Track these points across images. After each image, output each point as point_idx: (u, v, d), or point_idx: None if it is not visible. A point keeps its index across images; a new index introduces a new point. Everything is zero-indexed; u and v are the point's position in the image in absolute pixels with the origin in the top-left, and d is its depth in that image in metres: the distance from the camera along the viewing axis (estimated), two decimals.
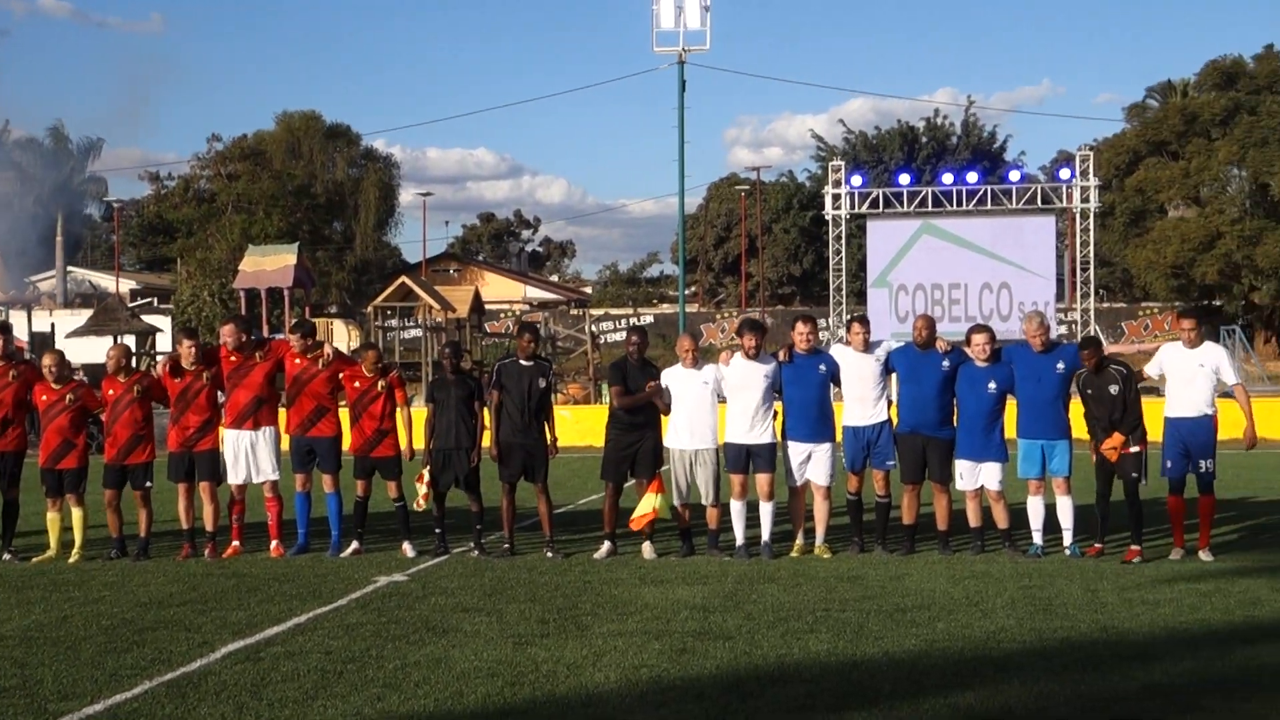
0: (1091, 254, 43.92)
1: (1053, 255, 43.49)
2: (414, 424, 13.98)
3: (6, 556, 13.79)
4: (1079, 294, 44.61)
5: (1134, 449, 12.78)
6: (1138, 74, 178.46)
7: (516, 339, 14.10)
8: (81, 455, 13.96)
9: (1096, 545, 12.97)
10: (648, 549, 13.36)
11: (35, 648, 9.49)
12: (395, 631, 9.81)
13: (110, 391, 13.82)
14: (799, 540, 13.39)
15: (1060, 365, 12.94)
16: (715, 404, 13.49)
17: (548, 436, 13.62)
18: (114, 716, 7.73)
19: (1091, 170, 43.12)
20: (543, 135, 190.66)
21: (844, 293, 44.58)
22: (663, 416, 13.58)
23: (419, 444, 13.89)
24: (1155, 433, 12.95)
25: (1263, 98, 62.48)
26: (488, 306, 62.81)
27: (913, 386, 13.33)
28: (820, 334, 14.45)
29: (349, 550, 13.70)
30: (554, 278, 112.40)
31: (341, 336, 53.58)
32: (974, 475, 13.15)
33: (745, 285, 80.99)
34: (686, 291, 59.65)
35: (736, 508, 13.27)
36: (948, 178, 42.99)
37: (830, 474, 13.32)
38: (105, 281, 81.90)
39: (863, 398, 13.36)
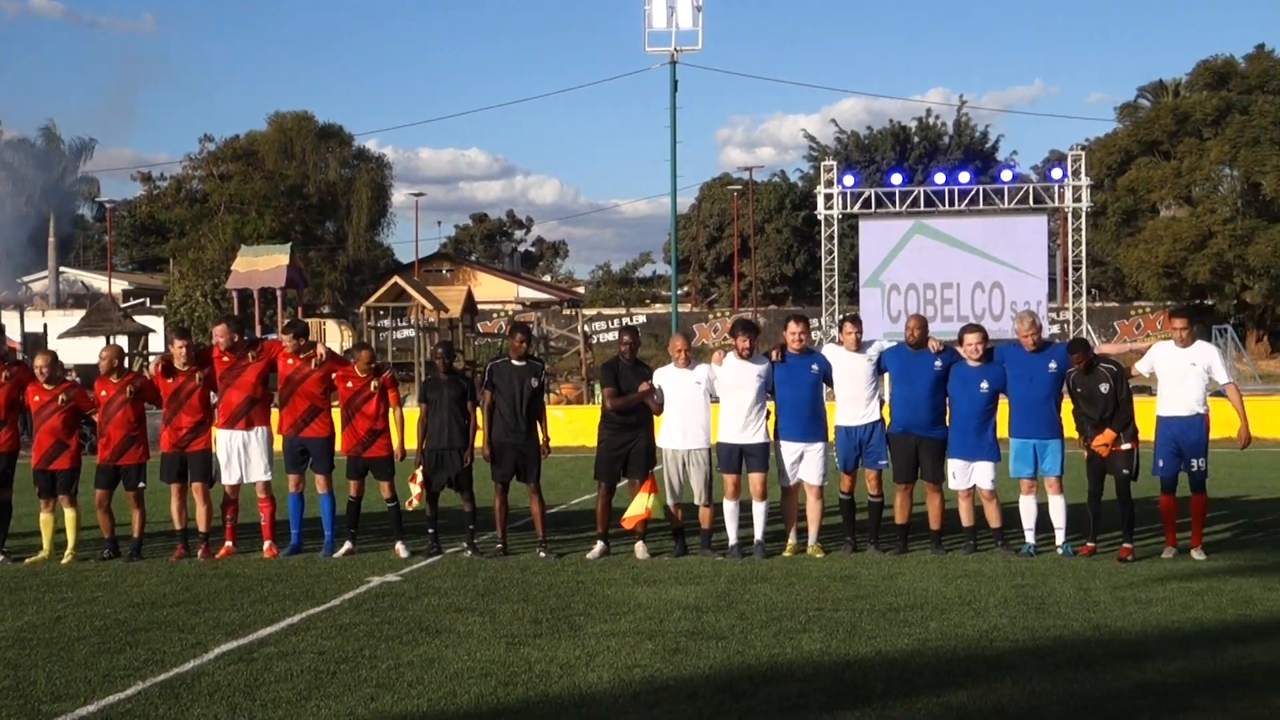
0: (1083, 253, 43.98)
1: (1045, 255, 43.59)
2: (406, 424, 13.99)
3: (0, 558, 13.79)
4: (1071, 294, 44.66)
5: (1125, 446, 12.81)
6: (1129, 74, 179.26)
7: (509, 339, 14.11)
8: (74, 456, 13.94)
9: (1089, 544, 12.98)
10: (640, 549, 13.37)
11: (28, 649, 9.49)
12: (388, 632, 9.81)
13: (103, 392, 13.81)
14: (792, 540, 13.40)
15: (1052, 365, 12.95)
16: (708, 404, 13.49)
17: (540, 436, 13.63)
18: (107, 717, 7.72)
19: (1083, 170, 43.21)
20: (535, 135, 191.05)
21: (836, 292, 44.62)
22: (655, 416, 13.59)
23: (411, 444, 13.89)
24: (1147, 431, 12.97)
25: (1254, 97, 62.55)
26: (480, 307, 62.84)
27: (905, 386, 13.34)
28: (813, 334, 14.44)
29: (342, 550, 13.69)
30: (547, 278, 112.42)
31: (334, 337, 53.52)
32: (966, 475, 13.16)
33: (738, 285, 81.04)
34: (679, 291, 59.66)
35: (730, 508, 13.28)
36: (940, 177, 43.07)
37: (823, 474, 13.33)
38: (98, 282, 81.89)
39: (855, 397, 13.37)
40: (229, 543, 13.89)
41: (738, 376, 13.27)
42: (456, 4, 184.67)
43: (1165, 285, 62.33)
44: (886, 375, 13.55)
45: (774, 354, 13.39)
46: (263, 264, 45.22)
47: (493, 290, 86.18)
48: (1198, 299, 63.20)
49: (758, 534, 13.30)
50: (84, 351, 36.62)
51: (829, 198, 43.66)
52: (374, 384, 13.81)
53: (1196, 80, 67.02)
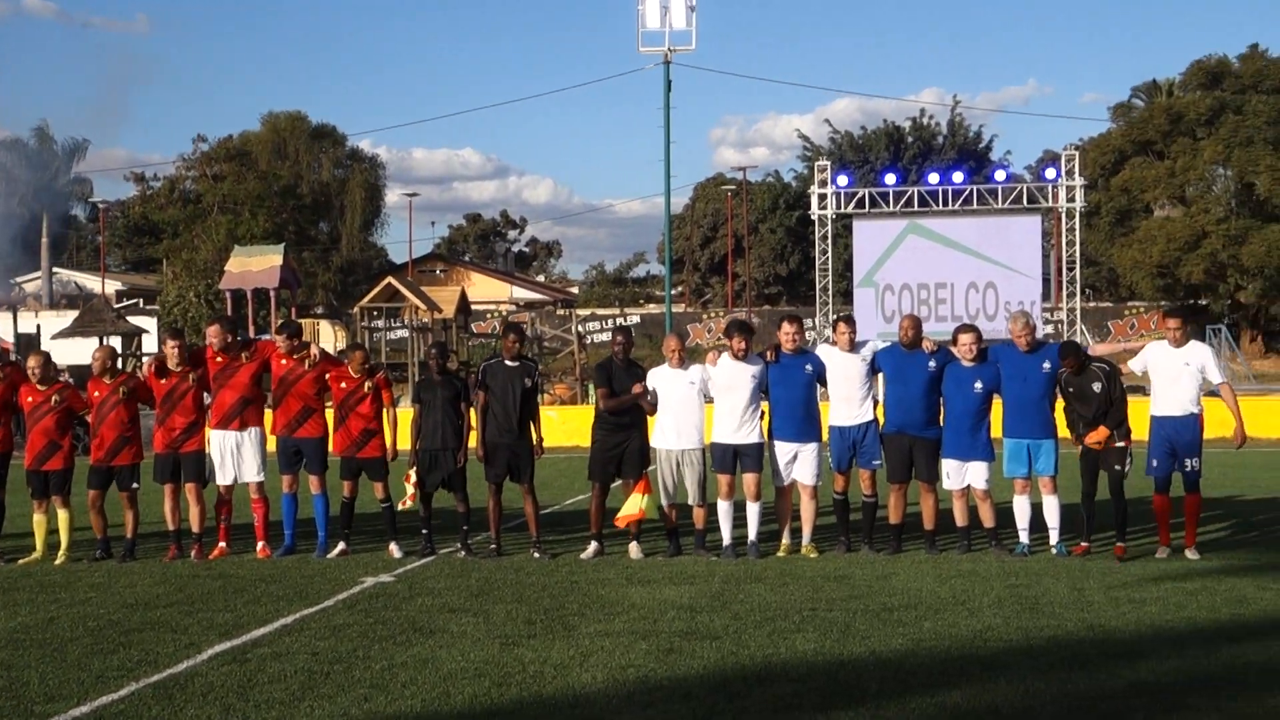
0: (1077, 253, 44.00)
1: (1038, 255, 43.55)
2: (399, 424, 13.97)
3: None
4: (1065, 293, 44.67)
5: (1119, 444, 12.82)
6: (1123, 74, 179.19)
7: (502, 339, 14.10)
8: (67, 457, 13.93)
9: (1083, 544, 12.99)
10: (634, 549, 13.37)
11: (21, 649, 9.47)
12: (382, 632, 9.81)
13: (96, 393, 13.79)
14: (785, 540, 13.40)
15: (1046, 365, 12.96)
16: (702, 404, 13.49)
17: (533, 437, 13.62)
18: (100, 718, 7.72)
19: (1077, 170, 43.19)
20: (529, 135, 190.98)
21: (830, 293, 44.62)
22: (649, 417, 13.59)
23: (403, 445, 13.87)
24: (1141, 431, 12.98)
25: (1248, 97, 62.66)
26: (474, 307, 62.83)
27: (899, 386, 13.34)
28: (807, 334, 14.45)
29: (335, 551, 13.68)
30: (540, 278, 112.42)
31: (328, 337, 53.51)
32: (961, 474, 13.16)
33: (732, 285, 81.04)
34: (673, 291, 59.69)
35: (724, 508, 13.27)
36: (934, 177, 43.03)
37: (817, 474, 13.33)
38: (91, 282, 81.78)
39: (849, 397, 13.37)
40: (222, 543, 13.88)
41: (732, 377, 13.26)
42: (450, 4, 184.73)
43: (1159, 285, 62.43)
44: (881, 375, 13.55)
45: (768, 354, 13.39)
46: (256, 264, 45.16)
47: (486, 290, 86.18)
48: (1192, 299, 63.28)
49: (751, 534, 13.30)
50: (77, 352, 36.60)
51: (823, 198, 43.64)
52: (368, 385, 13.80)
53: (1190, 80, 67.13)
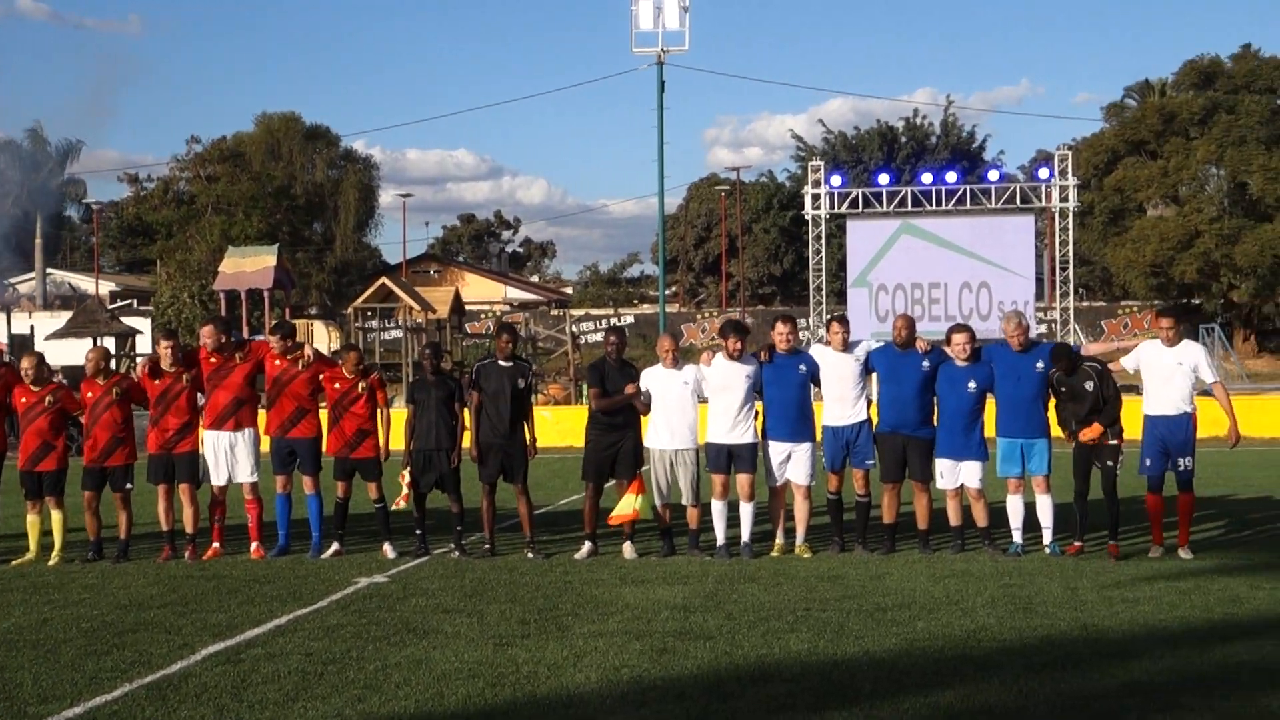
0: (1070, 253, 44.09)
1: (1032, 254, 43.65)
2: (393, 425, 13.96)
3: None
4: (1058, 293, 44.77)
5: (1112, 442, 12.85)
6: (1116, 74, 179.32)
7: (495, 339, 14.10)
8: (61, 457, 13.92)
9: (1076, 543, 13.00)
10: (628, 549, 13.37)
11: (14, 650, 9.46)
12: (376, 633, 9.80)
13: (89, 394, 13.78)
14: (779, 540, 13.40)
15: (1039, 364, 12.97)
16: (695, 404, 13.49)
17: (527, 437, 13.62)
18: (94, 719, 7.70)
19: (1070, 170, 43.30)
20: (523, 136, 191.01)
21: (824, 292, 44.67)
22: (642, 417, 13.59)
23: (397, 444, 13.86)
24: (1135, 430, 12.99)
25: (1240, 97, 62.78)
26: (468, 307, 62.80)
27: (893, 386, 13.34)
28: (800, 334, 14.45)
29: (329, 552, 13.68)
30: (534, 278, 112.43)
31: (322, 338, 53.46)
32: (954, 474, 13.17)
33: (725, 285, 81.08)
34: (667, 292, 59.68)
35: (718, 507, 13.28)
36: (927, 177, 43.15)
37: (810, 474, 13.33)
38: (85, 283, 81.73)
39: (842, 397, 13.37)
40: (216, 544, 13.86)
41: (726, 377, 13.27)
42: (444, 5, 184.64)
43: (1152, 284, 62.54)
44: (874, 375, 13.56)
45: (762, 354, 13.39)
46: (250, 265, 45.18)
47: (480, 291, 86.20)
48: (1185, 298, 63.40)
49: (745, 534, 13.30)
50: (71, 353, 36.59)
51: (816, 198, 43.71)
52: (362, 385, 13.79)
53: (1183, 80, 67.27)
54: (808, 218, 44.65)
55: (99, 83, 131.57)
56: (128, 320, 54.26)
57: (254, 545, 13.83)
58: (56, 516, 13.85)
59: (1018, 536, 13.09)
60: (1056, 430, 13.13)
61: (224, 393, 13.77)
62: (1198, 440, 12.96)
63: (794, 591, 11.20)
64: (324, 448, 14.01)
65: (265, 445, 14.03)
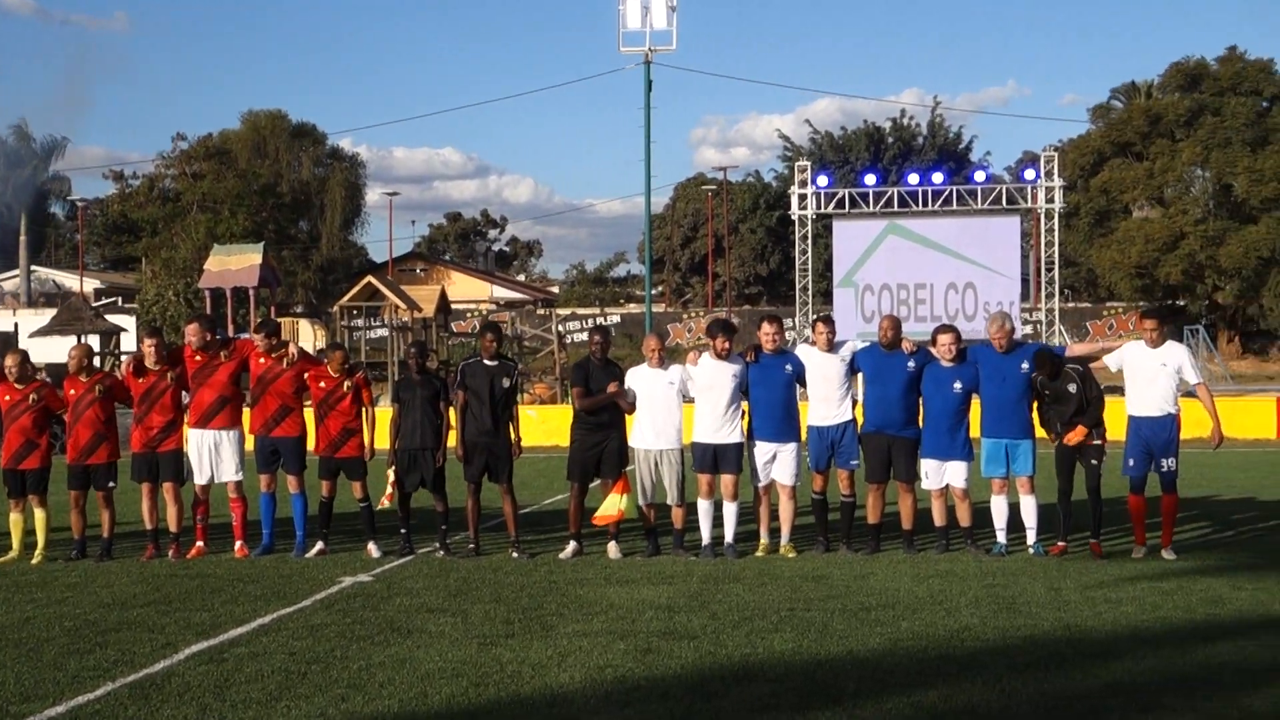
0: (1056, 254, 44.14)
1: (1018, 255, 43.72)
2: (378, 424, 13.95)
3: None
4: (1044, 294, 44.86)
5: (1096, 442, 12.89)
6: (1102, 75, 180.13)
7: (479, 339, 14.08)
8: (44, 456, 13.88)
9: (1060, 544, 13.02)
10: (613, 549, 13.37)
11: None
12: (360, 632, 9.79)
13: (71, 391, 13.74)
14: (764, 540, 13.41)
15: (1024, 365, 12.99)
16: (680, 404, 13.49)
17: (512, 436, 13.60)
18: (76, 718, 7.69)
19: (1056, 171, 43.36)
20: (510, 135, 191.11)
21: (810, 293, 44.69)
22: (627, 416, 13.59)
23: (382, 444, 13.84)
24: (1118, 431, 13.02)
25: (1226, 99, 62.98)
26: (454, 306, 62.75)
27: (878, 386, 13.35)
28: (786, 334, 14.46)
29: (314, 551, 13.65)
30: (521, 277, 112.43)
31: (307, 336, 53.40)
32: (940, 474, 13.19)
33: (712, 285, 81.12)
34: (653, 291, 59.66)
35: (704, 507, 13.28)
36: (913, 178, 43.18)
37: (795, 474, 13.34)
38: (69, 281, 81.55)
39: (827, 398, 13.38)
40: (200, 543, 13.84)
41: (713, 376, 13.27)
42: (431, 4, 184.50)
43: (1137, 286, 62.70)
44: (860, 375, 13.57)
45: (748, 354, 13.40)
46: (235, 263, 45.09)
47: (467, 290, 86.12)
48: (1170, 299, 63.57)
49: (728, 535, 13.31)
50: (55, 351, 36.47)
51: (803, 198, 43.73)
52: (347, 384, 13.76)
53: (1169, 82, 67.43)
54: (794, 218, 44.66)
55: (73, 74, 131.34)
56: (112, 318, 54.15)
57: (238, 544, 13.80)
58: (40, 515, 13.82)
59: (1001, 537, 13.11)
60: (1040, 431, 13.16)
61: (209, 391, 13.74)
62: (1182, 441, 12.99)
63: (778, 591, 11.21)
64: (311, 446, 13.99)
65: (250, 444, 14.00)
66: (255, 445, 13.92)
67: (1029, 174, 43.24)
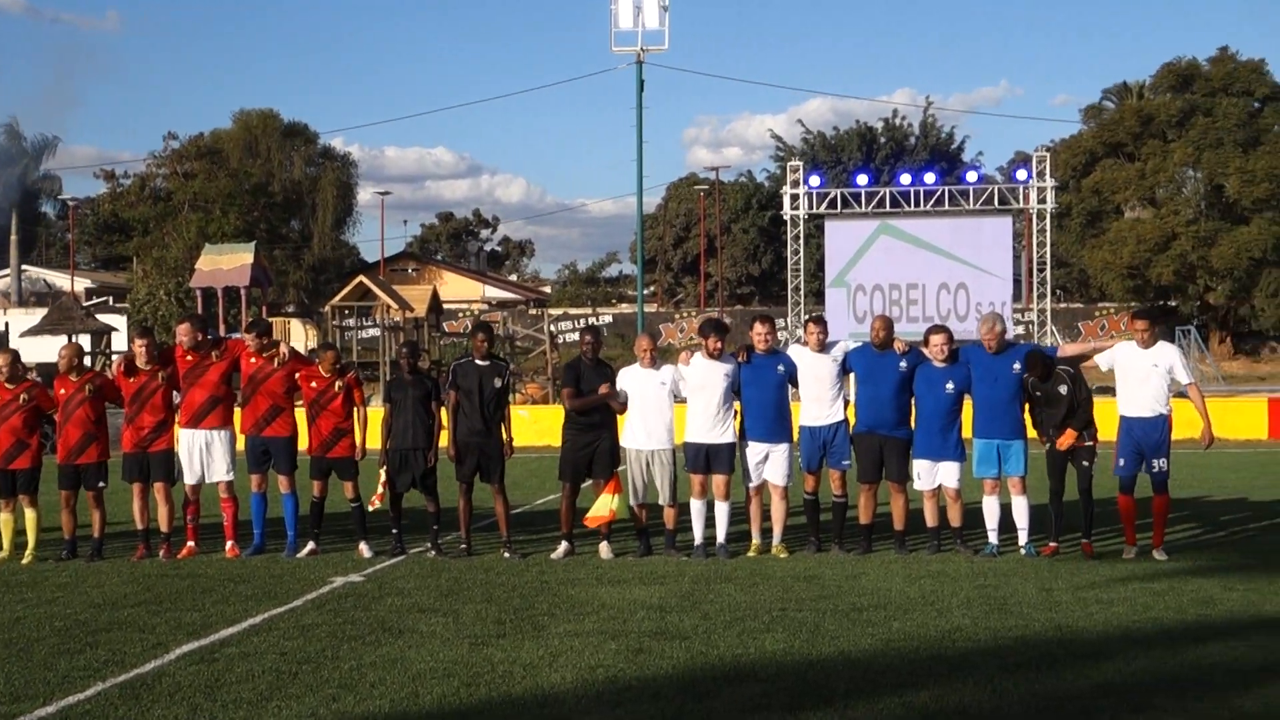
0: (1048, 254, 44.16)
1: (1009, 256, 43.72)
2: (370, 424, 13.93)
3: None
4: (1035, 294, 44.84)
5: (1087, 443, 12.90)
6: (1094, 76, 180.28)
7: (471, 339, 14.07)
8: (35, 456, 13.85)
9: (1051, 544, 13.03)
10: (605, 549, 13.36)
11: None
12: (351, 632, 9.78)
13: (62, 391, 13.72)
14: (756, 540, 13.41)
15: (1016, 366, 12.99)
16: (672, 404, 13.49)
17: (504, 436, 13.59)
18: (66, 718, 7.68)
19: (1048, 171, 43.37)
20: (502, 134, 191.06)
21: (802, 293, 44.71)
22: (619, 416, 13.59)
23: (374, 443, 13.82)
24: (1109, 432, 13.03)
25: (1218, 100, 63.06)
26: (446, 306, 62.71)
27: (870, 387, 13.36)
28: (778, 334, 14.46)
29: (305, 551, 13.64)
30: (513, 277, 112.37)
31: (299, 336, 53.34)
32: (932, 475, 13.19)
33: (704, 285, 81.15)
34: (645, 291, 59.68)
35: (697, 507, 13.28)
36: (905, 178, 43.13)
37: (787, 474, 13.34)
38: (60, 280, 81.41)
39: (819, 398, 13.38)
40: (191, 543, 13.82)
41: (705, 376, 13.27)
42: (423, 3, 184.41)
43: (1129, 286, 62.75)
44: (852, 376, 13.57)
45: (740, 355, 13.39)
46: (227, 263, 45.01)
47: (458, 290, 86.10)
48: (1161, 300, 63.65)
49: (720, 535, 13.30)
50: (46, 350, 36.38)
51: (795, 198, 43.72)
52: (338, 384, 13.75)
53: (1160, 82, 67.50)
54: (786, 218, 44.63)
55: (60, 69, 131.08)
56: (103, 317, 54.10)
57: (229, 544, 13.78)
58: (30, 515, 13.79)
59: (993, 537, 13.12)
60: (1032, 431, 13.17)
61: (200, 391, 13.73)
62: (1173, 442, 13.00)
63: (770, 591, 11.21)
64: (303, 446, 13.97)
65: (240, 444, 13.99)
66: (246, 445, 13.90)
67: (1021, 174, 43.22)
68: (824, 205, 43.67)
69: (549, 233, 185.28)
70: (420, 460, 13.48)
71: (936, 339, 13.20)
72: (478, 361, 13.50)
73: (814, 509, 13.57)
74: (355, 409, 13.83)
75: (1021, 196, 43.01)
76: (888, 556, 13.00)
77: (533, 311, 75.16)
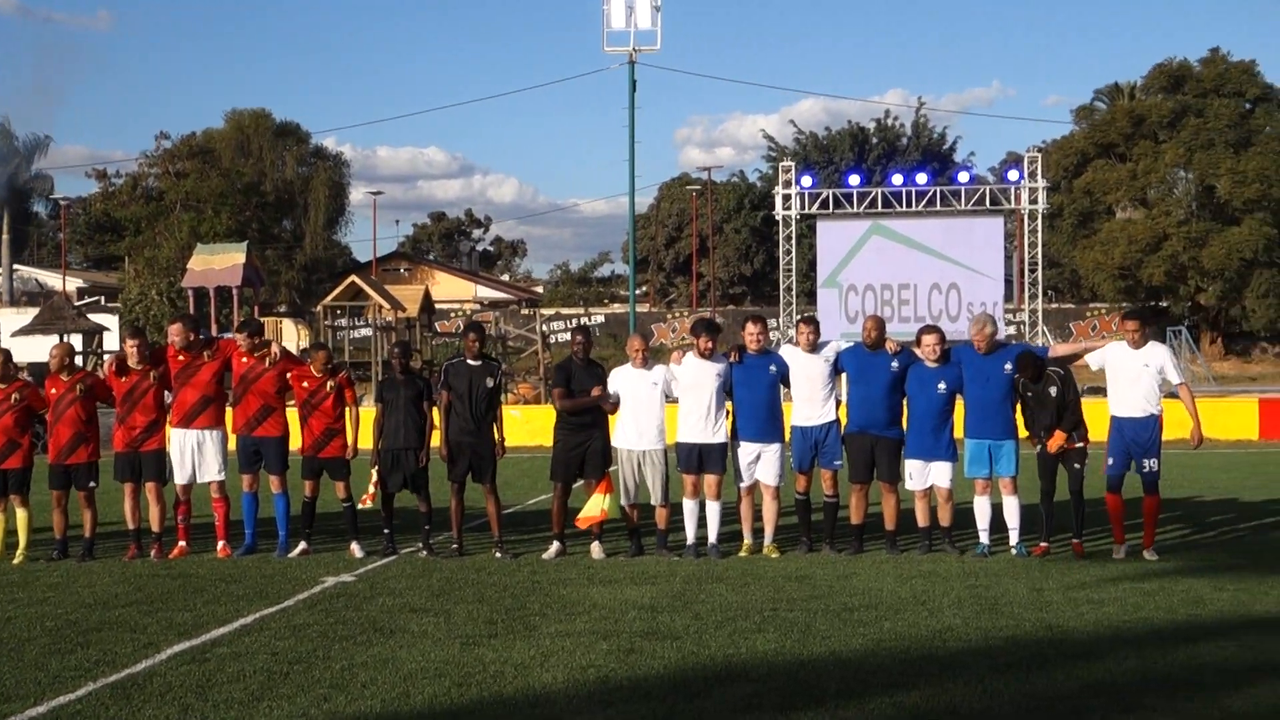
0: (1040, 255, 44.23)
1: (1001, 256, 43.77)
2: (361, 424, 13.93)
3: None
4: (1027, 295, 44.94)
5: (1078, 444, 12.92)
6: (1086, 76, 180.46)
7: (462, 339, 14.08)
8: (26, 456, 13.83)
9: (1042, 544, 13.05)
10: (596, 549, 13.36)
11: None
12: (342, 632, 9.78)
13: (52, 390, 13.71)
14: (747, 540, 13.42)
15: (1007, 366, 13.01)
16: (663, 404, 13.50)
17: (495, 436, 13.59)
18: (57, 718, 7.67)
19: (1040, 172, 43.43)
20: (494, 134, 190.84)
21: (794, 293, 44.73)
22: (610, 416, 13.59)
23: (365, 443, 13.82)
24: (1099, 432, 13.05)
25: (1209, 100, 63.10)
26: (438, 306, 62.68)
27: (862, 387, 13.37)
28: (770, 334, 14.47)
29: (296, 551, 13.64)
30: (505, 277, 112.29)
31: (291, 336, 53.31)
32: (924, 475, 13.21)
33: (696, 285, 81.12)
34: (637, 291, 59.67)
35: (689, 506, 13.28)
36: (897, 179, 43.21)
37: (779, 474, 13.35)
38: (52, 280, 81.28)
39: (811, 398, 13.39)
40: (182, 542, 13.81)
41: (697, 376, 13.28)
42: (415, 3, 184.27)
43: (1121, 287, 62.76)
44: (844, 376, 13.59)
45: (732, 355, 13.40)
46: (219, 262, 44.95)
47: (451, 289, 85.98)
48: (1153, 301, 63.70)
49: (712, 535, 13.31)
50: (37, 350, 36.33)
51: (787, 198, 43.75)
52: (330, 384, 13.75)
53: (1152, 83, 67.52)
54: (778, 218, 44.66)
55: (43, 67, 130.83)
56: (95, 317, 53.95)
57: (220, 544, 13.78)
58: (21, 515, 13.78)
59: (984, 537, 13.14)
60: (1023, 432, 13.19)
61: (191, 391, 13.72)
62: (1164, 442, 13.02)
63: (761, 592, 11.22)
64: (294, 446, 13.96)
65: (232, 444, 13.98)
66: (237, 445, 13.90)
67: (1013, 175, 43.30)
68: (816, 205, 43.71)
69: (541, 233, 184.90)
70: (412, 460, 13.47)
71: (928, 339, 13.22)
72: (470, 361, 13.50)
73: (805, 509, 13.58)
74: (347, 409, 13.83)
75: (1013, 197, 43.09)
76: (879, 556, 13.01)
77: (525, 311, 75.05)
